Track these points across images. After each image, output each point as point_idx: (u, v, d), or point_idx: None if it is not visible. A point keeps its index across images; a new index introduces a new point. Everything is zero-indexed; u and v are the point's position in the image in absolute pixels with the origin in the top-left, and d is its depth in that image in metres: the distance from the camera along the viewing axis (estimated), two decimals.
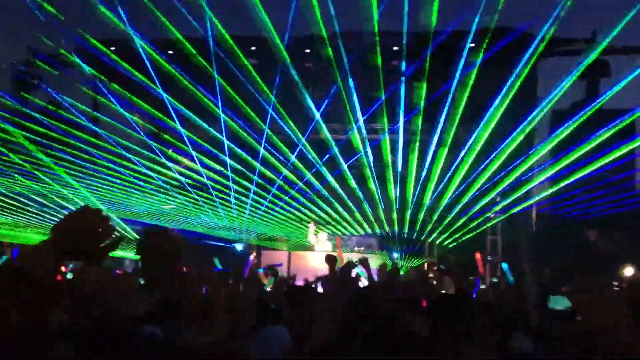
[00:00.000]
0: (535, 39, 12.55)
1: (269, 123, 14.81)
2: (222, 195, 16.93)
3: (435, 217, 18.12)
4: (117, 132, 15.19)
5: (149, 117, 15.62)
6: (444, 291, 6.41)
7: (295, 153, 15.83)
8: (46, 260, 1.37)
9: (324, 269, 4.96)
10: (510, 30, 13.08)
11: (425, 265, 18.59)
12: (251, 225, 19.42)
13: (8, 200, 15.42)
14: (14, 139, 13.15)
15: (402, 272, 11.11)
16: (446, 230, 18.38)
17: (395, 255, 18.34)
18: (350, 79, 13.61)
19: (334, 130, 16.12)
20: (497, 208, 17.85)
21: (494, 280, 15.68)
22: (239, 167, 16.02)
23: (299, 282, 10.28)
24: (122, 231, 16.11)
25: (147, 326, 2.38)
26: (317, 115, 14.82)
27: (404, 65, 13.69)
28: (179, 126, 14.84)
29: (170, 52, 13.41)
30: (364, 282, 6.07)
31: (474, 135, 14.79)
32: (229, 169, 15.92)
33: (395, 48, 14.02)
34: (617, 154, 13.47)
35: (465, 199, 16.78)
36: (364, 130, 15.60)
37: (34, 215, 16.33)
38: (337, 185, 17.24)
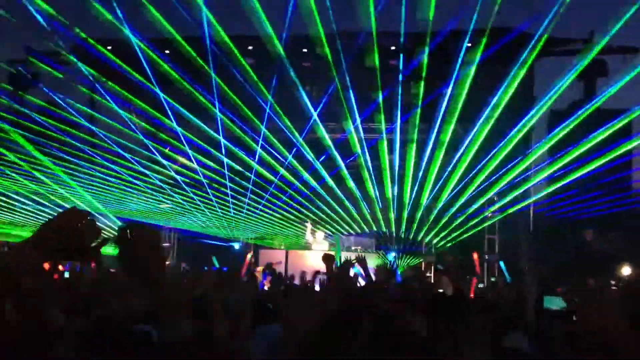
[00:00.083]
0: (533, 38, 12.56)
1: (266, 122, 14.80)
2: (218, 194, 16.92)
3: (433, 216, 18.14)
4: (114, 131, 15.17)
5: (146, 116, 15.59)
6: (441, 290, 6.42)
7: (293, 152, 15.83)
8: (29, 258, 1.37)
9: (321, 267, 4.95)
10: (508, 30, 13.09)
11: (423, 264, 18.64)
12: (248, 224, 19.41)
13: (6, 200, 15.39)
14: (11, 138, 13.12)
15: (399, 272, 11.12)
16: (443, 229, 18.40)
17: (393, 254, 18.35)
18: (347, 79, 13.60)
19: (332, 130, 16.12)
20: (494, 207, 17.89)
21: (492, 279, 15.73)
22: (236, 166, 16.01)
23: (297, 280, 10.29)
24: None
25: (137, 326, 2.37)
26: (315, 114, 14.82)
27: (401, 64, 13.69)
28: (175, 125, 14.82)
29: (167, 52, 13.39)
30: (361, 282, 6.07)
31: (472, 134, 14.80)
32: (225, 168, 15.91)
33: (393, 48, 14.03)
34: (614, 154, 13.50)
35: (463, 199, 16.80)
36: (361, 130, 15.61)
37: (30, 214, 16.31)
38: (334, 185, 17.24)
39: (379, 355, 2.60)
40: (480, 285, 13.90)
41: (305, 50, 15.31)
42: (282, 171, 16.25)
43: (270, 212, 18.12)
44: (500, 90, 13.46)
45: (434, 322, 3.14)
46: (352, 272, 5.39)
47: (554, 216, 16.23)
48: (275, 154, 15.92)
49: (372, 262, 6.53)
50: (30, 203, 15.77)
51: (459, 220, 17.66)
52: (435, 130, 14.91)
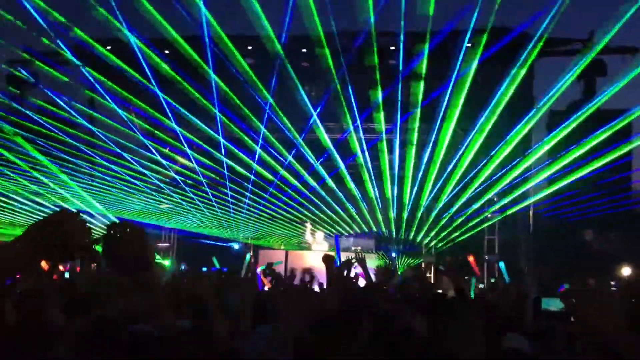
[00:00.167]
0: (532, 38, 12.56)
1: (266, 122, 14.79)
2: (218, 195, 16.92)
3: (433, 217, 18.14)
4: (113, 130, 15.16)
5: (146, 116, 15.58)
6: (440, 291, 6.42)
7: (292, 153, 15.82)
8: (17, 256, 1.38)
9: (321, 268, 4.95)
10: (508, 30, 13.09)
11: (423, 265, 18.64)
12: (248, 224, 19.42)
13: (5, 200, 15.39)
14: (10, 138, 13.12)
15: (399, 272, 11.12)
16: (443, 230, 18.40)
17: (393, 255, 18.36)
18: (347, 79, 13.60)
19: (331, 130, 16.11)
20: (494, 208, 17.88)
21: (492, 280, 15.72)
22: (236, 166, 16.01)
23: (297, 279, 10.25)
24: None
25: (137, 325, 2.37)
26: (315, 114, 14.82)
27: (400, 64, 13.68)
28: (175, 125, 14.82)
29: (167, 52, 13.38)
30: (361, 283, 6.07)
31: (471, 135, 14.80)
32: (225, 168, 15.91)
33: (392, 47, 14.02)
34: (614, 154, 13.49)
35: (463, 199, 16.80)
36: (361, 130, 15.61)
37: (30, 214, 16.30)
38: (334, 185, 17.24)
39: (379, 355, 2.61)
40: (481, 286, 13.91)
41: (304, 50, 15.31)
42: (282, 171, 16.25)
43: (270, 212, 18.13)
44: (499, 90, 13.46)
45: (434, 322, 3.14)
46: (352, 273, 5.39)
47: (554, 216, 16.24)
48: (275, 154, 15.92)
49: (372, 262, 6.53)
50: (29, 203, 15.76)
51: (459, 220, 17.66)
52: (435, 130, 14.91)
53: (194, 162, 15.87)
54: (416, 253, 19.67)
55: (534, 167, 15.80)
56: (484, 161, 15.37)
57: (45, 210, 15.58)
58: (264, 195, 17.06)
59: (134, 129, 15.22)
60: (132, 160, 15.15)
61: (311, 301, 2.90)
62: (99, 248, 1.50)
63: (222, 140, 15.24)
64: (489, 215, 18.13)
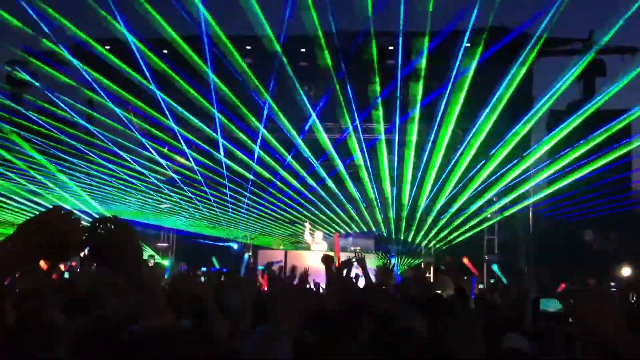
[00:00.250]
0: (532, 38, 12.56)
1: (265, 122, 14.78)
2: (217, 194, 16.90)
3: (432, 217, 18.12)
4: (112, 130, 15.15)
5: (144, 116, 15.56)
6: (439, 291, 6.42)
7: (292, 153, 15.81)
8: (9, 255, 1.37)
9: (321, 268, 4.95)
10: (507, 30, 13.09)
11: (423, 265, 18.61)
12: (247, 224, 19.40)
13: (4, 200, 15.36)
14: (8, 137, 13.10)
15: (399, 272, 11.12)
16: (442, 230, 18.38)
17: (392, 255, 18.33)
18: (346, 78, 13.59)
19: (330, 130, 16.10)
20: (493, 208, 17.86)
21: (492, 280, 15.71)
22: (235, 166, 16.00)
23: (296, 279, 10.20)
24: None
25: (137, 325, 2.36)
26: (314, 114, 14.81)
27: (399, 64, 13.68)
28: (173, 124, 14.81)
29: (165, 51, 13.38)
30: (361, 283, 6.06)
31: (471, 135, 14.79)
32: (224, 168, 15.89)
33: (391, 48, 14.01)
34: (614, 155, 13.49)
35: (462, 199, 16.78)
36: (360, 130, 15.59)
37: (28, 214, 16.26)
38: (333, 185, 17.22)
39: (379, 355, 2.60)
40: (481, 286, 13.92)
41: (303, 50, 15.31)
42: (281, 171, 16.24)
43: (269, 212, 18.11)
44: (499, 90, 13.45)
45: (434, 322, 3.14)
46: (352, 273, 5.39)
47: (554, 217, 16.23)
48: (274, 154, 15.90)
49: (371, 262, 6.53)
50: (28, 203, 15.73)
51: (459, 220, 17.64)
52: (434, 130, 14.89)
53: (192, 161, 15.85)
54: (415, 253, 19.64)
55: (533, 167, 15.79)
56: (483, 161, 15.36)
57: (44, 210, 15.54)
58: (263, 195, 17.04)
59: (133, 128, 15.21)
60: (130, 160, 15.13)
61: (310, 301, 2.90)
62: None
63: (221, 140, 15.23)
64: (489, 216, 18.11)
